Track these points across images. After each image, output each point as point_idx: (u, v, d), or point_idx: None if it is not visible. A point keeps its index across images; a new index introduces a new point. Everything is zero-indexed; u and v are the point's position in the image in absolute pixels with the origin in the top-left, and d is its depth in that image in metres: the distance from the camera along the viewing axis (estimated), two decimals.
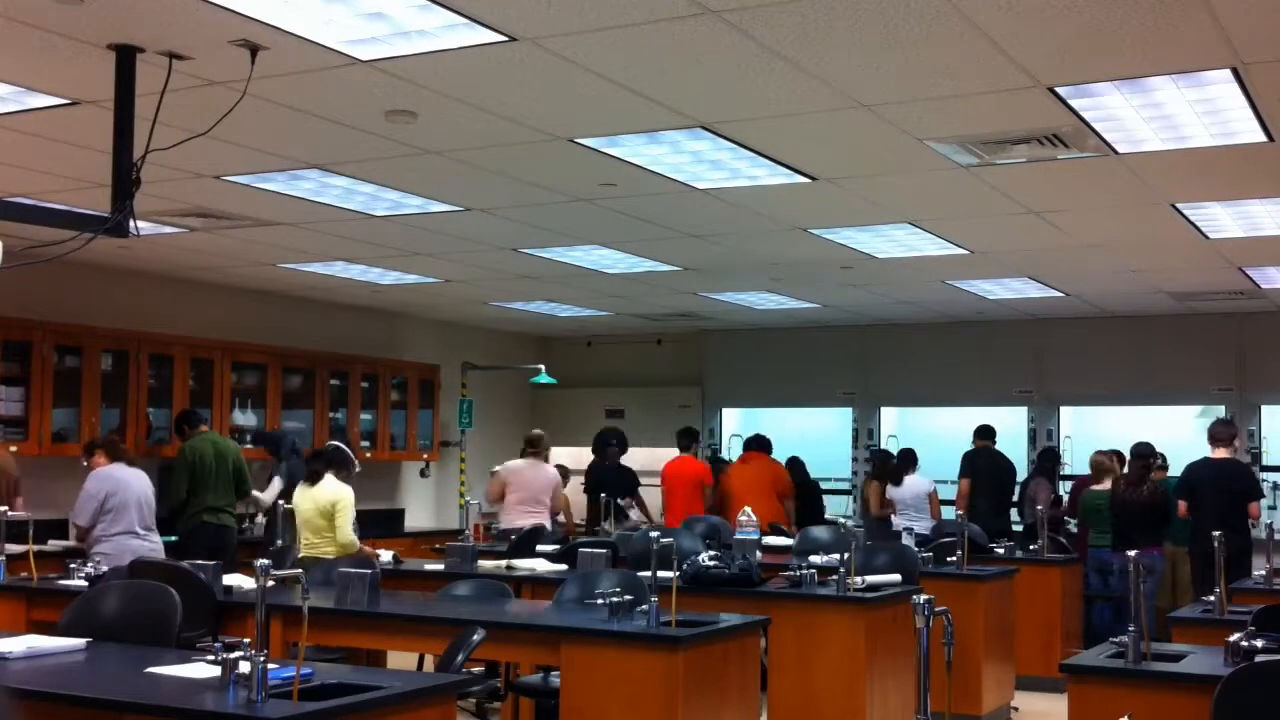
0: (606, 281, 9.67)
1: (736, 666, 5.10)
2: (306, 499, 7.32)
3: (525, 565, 7.32)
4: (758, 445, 10.68)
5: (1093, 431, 11.32)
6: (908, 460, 10.49)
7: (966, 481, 10.57)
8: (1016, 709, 7.76)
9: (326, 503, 7.23)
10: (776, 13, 4.04)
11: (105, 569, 6.43)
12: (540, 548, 8.04)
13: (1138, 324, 11.27)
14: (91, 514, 7.40)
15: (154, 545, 7.58)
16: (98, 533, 7.40)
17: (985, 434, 10.72)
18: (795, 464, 11.13)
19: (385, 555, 7.68)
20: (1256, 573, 7.17)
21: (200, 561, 6.34)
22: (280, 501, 8.62)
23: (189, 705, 3.50)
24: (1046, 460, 10.78)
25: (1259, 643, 4.21)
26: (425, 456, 11.88)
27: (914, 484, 10.31)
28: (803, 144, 5.71)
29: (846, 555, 6.27)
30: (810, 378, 12.51)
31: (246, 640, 3.72)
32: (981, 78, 4.67)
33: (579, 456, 12.83)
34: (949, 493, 10.75)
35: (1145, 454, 9.18)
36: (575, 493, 12.04)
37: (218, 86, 4.77)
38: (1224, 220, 7.22)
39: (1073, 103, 4.98)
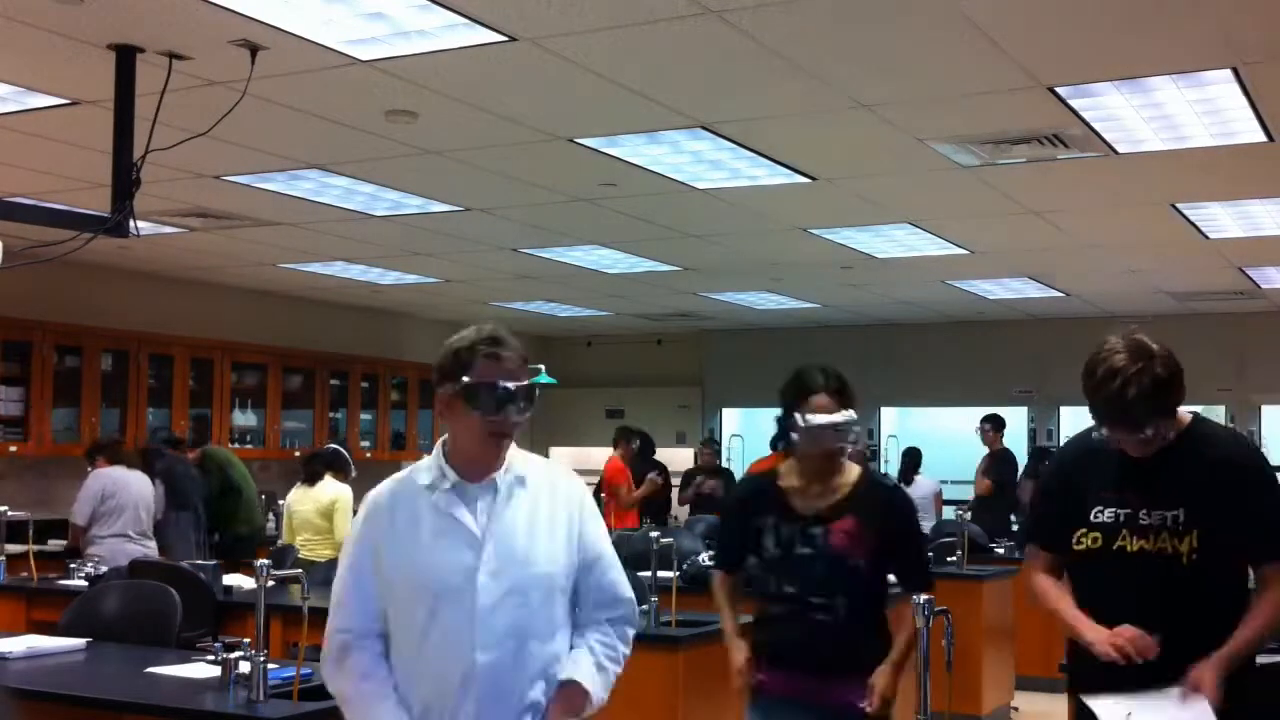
0: (606, 281, 9.67)
1: None
2: (305, 499, 7.33)
3: None
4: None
5: None
6: (915, 460, 10.55)
7: (987, 482, 10.10)
8: (1016, 709, 7.76)
9: (327, 502, 7.25)
10: (776, 13, 4.04)
11: (105, 569, 6.43)
12: None
13: (1138, 324, 11.25)
14: (88, 514, 7.41)
15: (147, 550, 7.51)
16: (93, 533, 7.41)
17: (999, 425, 10.35)
18: None
19: None
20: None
21: (200, 561, 6.35)
22: (282, 501, 8.60)
23: (189, 705, 3.49)
24: (1037, 460, 10.71)
25: None
26: (425, 456, 11.86)
27: (922, 485, 10.36)
28: (803, 144, 5.71)
29: None
30: None
31: (246, 640, 3.72)
32: (981, 78, 4.67)
33: (580, 456, 12.86)
34: (952, 493, 10.73)
35: None
36: None
37: (218, 86, 4.77)
38: (1224, 220, 7.22)
39: (1073, 103, 4.97)
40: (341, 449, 7.76)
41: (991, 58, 4.43)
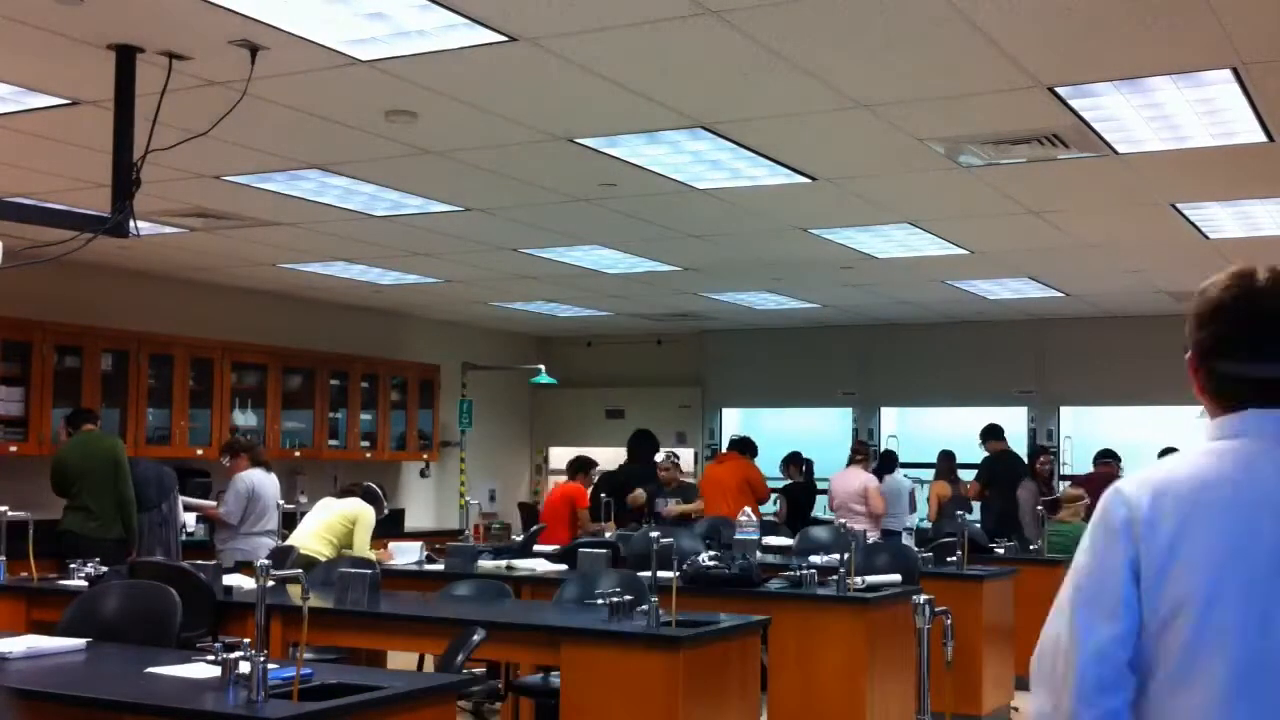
0: (606, 281, 9.67)
1: (736, 666, 5.10)
2: (331, 503, 7.58)
3: (525, 565, 7.32)
4: (735, 446, 10.59)
5: (1093, 431, 11.32)
6: (887, 461, 10.72)
7: (977, 485, 10.53)
8: (1016, 709, 7.76)
9: (348, 515, 7.45)
10: (776, 13, 4.04)
11: (105, 569, 6.42)
12: (538, 548, 8.05)
13: (1138, 324, 11.25)
14: (239, 513, 8.10)
15: (278, 544, 7.90)
16: (242, 530, 8.06)
17: (997, 434, 10.63)
18: (794, 460, 11.06)
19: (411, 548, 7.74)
20: None
21: (200, 562, 6.35)
22: (281, 502, 8.60)
23: (189, 705, 3.49)
24: (1034, 459, 10.97)
25: None
26: (425, 456, 11.88)
27: (895, 482, 10.53)
28: (803, 144, 5.71)
29: (846, 555, 6.27)
30: (810, 378, 12.50)
31: (246, 640, 3.72)
32: (981, 78, 4.67)
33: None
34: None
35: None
36: None
37: (218, 86, 4.77)
38: (1224, 220, 7.22)
39: (1073, 103, 4.98)
40: (377, 489, 7.87)
41: (991, 58, 4.43)
